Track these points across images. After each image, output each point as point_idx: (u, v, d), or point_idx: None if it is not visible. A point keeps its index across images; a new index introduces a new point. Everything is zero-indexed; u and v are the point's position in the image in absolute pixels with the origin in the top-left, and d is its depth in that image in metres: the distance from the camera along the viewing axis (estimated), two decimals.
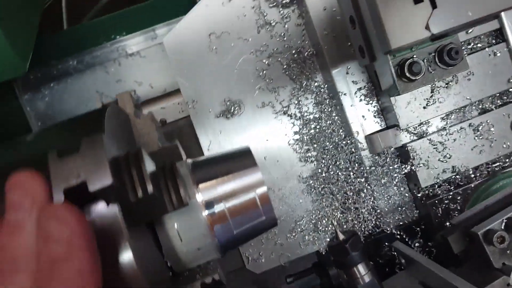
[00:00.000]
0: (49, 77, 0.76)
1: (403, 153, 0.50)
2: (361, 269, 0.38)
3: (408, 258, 0.45)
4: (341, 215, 0.53)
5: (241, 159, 0.37)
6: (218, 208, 0.34)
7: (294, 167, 0.53)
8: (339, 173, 0.52)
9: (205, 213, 0.34)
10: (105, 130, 0.30)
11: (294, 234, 0.53)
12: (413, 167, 0.49)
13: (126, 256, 0.28)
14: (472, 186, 0.50)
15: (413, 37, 0.37)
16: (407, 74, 0.43)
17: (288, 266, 0.54)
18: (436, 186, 0.50)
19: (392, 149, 0.50)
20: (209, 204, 0.34)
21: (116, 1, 0.94)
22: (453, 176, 0.50)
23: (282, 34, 0.53)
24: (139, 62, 0.76)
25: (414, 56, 0.44)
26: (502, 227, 0.38)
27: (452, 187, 0.50)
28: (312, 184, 0.53)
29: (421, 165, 0.49)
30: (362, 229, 0.52)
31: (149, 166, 0.32)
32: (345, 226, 0.53)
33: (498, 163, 0.51)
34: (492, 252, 0.38)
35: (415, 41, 0.37)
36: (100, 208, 0.27)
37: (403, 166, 0.50)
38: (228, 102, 0.52)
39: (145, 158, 0.31)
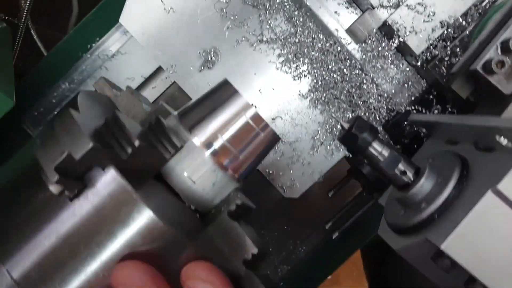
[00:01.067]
0: (50, 106, 0.78)
1: (387, 30, 0.49)
2: (376, 147, 0.38)
3: (427, 123, 0.45)
4: (353, 114, 0.52)
5: (222, 92, 0.37)
6: (217, 144, 0.35)
7: (291, 88, 0.53)
8: (335, 76, 0.51)
9: (208, 152, 0.35)
10: (79, 105, 0.31)
11: (316, 149, 0.54)
12: (400, 38, 0.48)
13: (146, 214, 0.29)
14: (467, 33, 0.48)
15: None
16: None
17: (323, 181, 0.55)
18: (432, 47, 0.49)
19: (374, 31, 0.49)
20: (208, 144, 0.35)
21: (84, 10, 0.95)
22: (445, 31, 0.48)
23: None
24: (123, 60, 0.77)
25: None
26: (499, 53, 0.37)
27: (448, 43, 0.49)
28: (314, 97, 0.53)
29: (408, 33, 0.48)
30: (378, 118, 0.52)
31: (136, 128, 0.33)
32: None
33: (486, 1, 0.49)
34: (498, 80, 0.37)
35: None
36: (98, 175, 0.28)
37: (391, 42, 0.49)
38: (204, 53, 0.53)
39: (129, 122, 0.32)
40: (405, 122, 0.52)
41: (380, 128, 0.52)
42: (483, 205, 0.32)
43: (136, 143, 0.29)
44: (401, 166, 0.38)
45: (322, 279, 0.69)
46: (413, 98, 0.51)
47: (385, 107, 0.51)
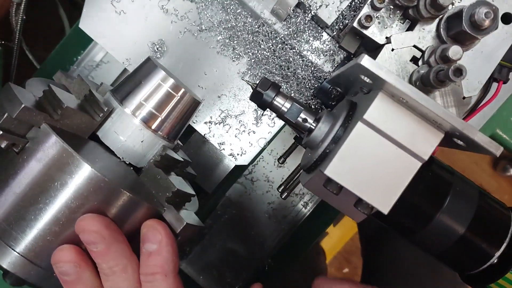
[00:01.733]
0: None
1: (302, 8, 0.56)
2: (279, 100, 0.46)
3: (335, 81, 0.52)
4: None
5: (145, 69, 0.46)
6: (143, 110, 0.43)
7: (231, 68, 0.61)
8: (265, 53, 0.59)
9: (135, 117, 0.43)
10: (26, 86, 0.40)
11: (259, 120, 0.61)
12: (312, 12, 0.55)
13: (85, 168, 0.37)
14: None
15: None
16: None
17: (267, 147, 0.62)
18: (342, 17, 0.56)
19: (292, 9, 0.57)
20: (135, 110, 0.43)
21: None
22: (352, 2, 0.55)
23: None
24: (107, 68, 0.86)
25: None
26: (370, 9, 0.44)
27: (356, 12, 0.55)
28: (252, 73, 0.60)
29: (319, 7, 0.55)
30: (307, 86, 0.59)
31: (72, 99, 0.41)
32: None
33: None
34: (371, 33, 0.44)
35: None
36: (36, 132, 0.37)
37: (305, 16, 0.56)
38: (153, 45, 0.61)
39: (65, 94, 0.40)
40: (329, 87, 0.59)
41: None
42: (355, 134, 0.39)
43: (64, 105, 0.37)
44: (302, 115, 0.46)
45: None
46: (336, 65, 0.58)
47: (311, 76, 0.59)
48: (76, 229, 0.36)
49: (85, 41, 0.87)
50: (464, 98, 0.42)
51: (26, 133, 0.37)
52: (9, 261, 0.38)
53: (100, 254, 0.36)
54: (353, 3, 0.56)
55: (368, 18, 0.42)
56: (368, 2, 0.43)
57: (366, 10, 0.43)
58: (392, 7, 0.43)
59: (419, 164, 0.39)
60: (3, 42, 0.99)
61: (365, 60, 0.35)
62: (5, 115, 0.35)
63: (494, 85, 0.51)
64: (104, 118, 0.41)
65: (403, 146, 0.39)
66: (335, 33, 0.56)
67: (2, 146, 0.36)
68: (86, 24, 0.62)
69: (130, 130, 0.42)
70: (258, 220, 0.75)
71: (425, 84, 0.41)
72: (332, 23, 0.55)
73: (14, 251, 0.38)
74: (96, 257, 0.36)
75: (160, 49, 0.61)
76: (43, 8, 1.03)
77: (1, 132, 0.34)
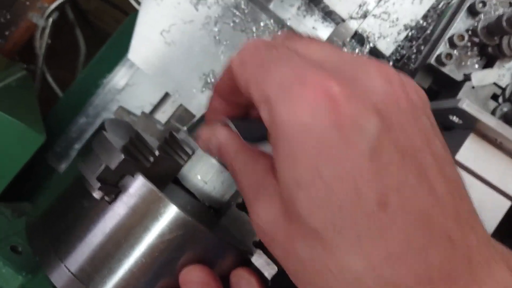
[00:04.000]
0: (71, 142, 0.87)
1: (358, 38, 0.56)
2: None
3: None
4: None
5: None
6: None
7: None
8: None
9: (215, 159, 0.42)
10: (107, 129, 0.39)
11: None
12: (371, 44, 0.55)
13: (171, 208, 0.36)
14: (428, 32, 0.55)
15: None
16: None
17: None
18: (399, 48, 0.56)
19: (348, 40, 0.57)
20: None
21: (90, 50, 1.04)
22: (409, 33, 0.56)
23: (215, 1, 0.60)
24: (132, 91, 0.85)
25: None
26: (448, 47, 0.44)
27: (412, 42, 0.56)
28: None
29: (377, 38, 0.55)
30: None
31: (154, 143, 0.40)
32: None
33: (442, 3, 0.56)
34: (449, 70, 0.44)
35: None
36: (129, 181, 0.36)
37: (363, 48, 0.56)
38: (204, 76, 0.61)
39: (148, 138, 0.39)
40: None
41: None
42: None
43: (156, 153, 0.36)
44: None
45: None
46: None
47: None
48: (181, 281, 0.35)
49: (111, 64, 0.86)
50: None
51: (118, 181, 0.36)
52: None
53: None
54: (409, 34, 0.56)
55: (449, 56, 0.42)
56: (446, 39, 0.43)
57: (443, 47, 0.43)
58: (469, 44, 0.43)
59: (510, 203, 0.39)
60: (25, 66, 0.97)
61: (467, 105, 0.35)
62: (103, 166, 0.33)
63: None
64: None
65: (494, 186, 0.39)
66: (391, 63, 0.56)
67: (97, 197, 0.34)
68: (135, 54, 0.61)
69: (211, 172, 0.41)
70: None
71: (508, 122, 0.41)
72: (390, 54, 0.55)
73: None
74: None
75: (211, 79, 0.60)
76: (58, 30, 1.02)
77: (99, 184, 0.33)
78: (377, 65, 0.27)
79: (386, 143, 0.24)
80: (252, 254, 0.40)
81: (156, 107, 0.76)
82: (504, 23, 0.38)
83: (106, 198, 0.35)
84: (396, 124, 0.25)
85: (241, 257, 0.39)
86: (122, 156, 0.34)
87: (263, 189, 0.29)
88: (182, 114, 0.63)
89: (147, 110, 0.81)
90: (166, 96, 0.76)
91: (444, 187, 0.25)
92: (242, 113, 0.36)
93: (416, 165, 0.25)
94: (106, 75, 0.87)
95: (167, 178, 0.40)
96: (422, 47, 0.55)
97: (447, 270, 0.24)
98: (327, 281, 0.25)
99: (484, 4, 0.41)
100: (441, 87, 0.47)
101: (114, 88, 0.86)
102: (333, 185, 0.24)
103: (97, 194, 0.35)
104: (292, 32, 0.30)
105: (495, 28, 0.40)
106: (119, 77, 0.86)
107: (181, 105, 0.62)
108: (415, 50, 0.55)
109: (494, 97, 0.42)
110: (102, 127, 0.41)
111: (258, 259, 0.39)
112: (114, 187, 0.35)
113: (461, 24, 0.43)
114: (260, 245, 0.40)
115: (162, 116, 0.75)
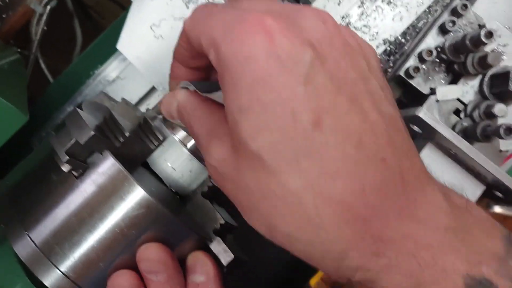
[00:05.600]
0: (57, 128, 0.88)
1: None
2: None
3: None
4: None
5: None
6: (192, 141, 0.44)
7: None
8: None
9: (186, 147, 0.44)
10: (84, 109, 0.40)
11: None
12: None
13: (136, 190, 0.38)
14: (406, 48, 0.57)
15: None
16: None
17: None
18: None
19: None
20: (185, 139, 0.44)
21: (87, 42, 1.06)
22: (387, 48, 0.58)
23: (207, 0, 0.62)
24: (122, 84, 0.87)
25: None
26: (417, 61, 0.46)
27: (390, 57, 0.58)
28: None
29: None
30: None
31: (128, 126, 0.42)
32: None
33: (421, 21, 0.58)
34: (417, 83, 0.46)
35: None
36: (97, 158, 0.37)
37: None
38: None
39: (122, 120, 0.41)
40: None
41: None
42: None
43: (127, 134, 0.38)
44: None
45: None
46: None
47: None
48: (138, 256, 0.36)
49: (104, 56, 0.88)
50: (500, 151, 0.44)
51: (87, 158, 0.37)
52: (52, 280, 0.38)
53: (159, 284, 0.36)
54: (388, 49, 0.58)
55: (416, 69, 0.44)
56: (416, 53, 0.45)
57: (413, 61, 0.46)
58: (438, 60, 0.46)
59: None
60: (19, 50, 0.99)
61: (423, 113, 0.37)
62: (73, 141, 0.35)
63: None
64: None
65: None
66: None
67: (65, 170, 0.36)
68: (124, 45, 0.63)
69: (180, 160, 0.43)
70: None
71: (467, 136, 0.43)
72: None
73: (60, 270, 0.38)
74: (154, 286, 0.36)
75: None
76: (57, 19, 1.03)
77: (67, 158, 0.35)
78: (314, 9, 0.29)
79: (320, 71, 0.26)
80: (211, 241, 0.41)
81: (142, 100, 0.78)
82: (467, 42, 0.40)
83: (74, 172, 0.37)
84: (329, 58, 0.27)
85: (201, 243, 0.41)
86: (92, 133, 0.35)
87: (216, 132, 0.31)
88: None
89: (134, 103, 0.83)
90: (152, 90, 0.77)
91: (378, 117, 0.27)
92: (203, 77, 0.38)
93: (349, 93, 0.26)
94: (98, 67, 0.88)
95: (137, 161, 0.41)
96: (399, 62, 0.58)
97: (379, 187, 0.26)
98: (273, 204, 0.27)
99: (454, 24, 0.44)
100: (409, 99, 0.49)
101: (105, 79, 0.88)
102: (271, 109, 0.25)
103: (65, 168, 0.36)
104: None
105: (460, 47, 0.42)
106: (111, 69, 0.88)
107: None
108: (391, 64, 0.57)
109: (457, 112, 0.44)
110: (78, 106, 0.42)
111: (216, 246, 0.41)
112: (82, 163, 0.37)
113: (431, 40, 0.45)
114: (220, 233, 0.42)
115: (147, 109, 0.76)
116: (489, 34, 0.38)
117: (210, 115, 0.32)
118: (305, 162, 0.26)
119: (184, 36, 0.34)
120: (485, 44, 0.39)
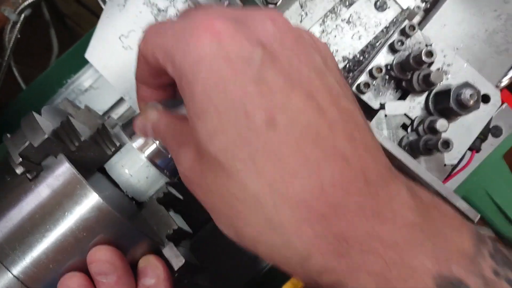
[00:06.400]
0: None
1: None
2: None
3: None
4: None
5: None
6: (151, 147, 0.45)
7: None
8: None
9: (143, 154, 0.45)
10: (42, 114, 0.41)
11: None
12: None
13: (89, 194, 0.39)
14: (363, 65, 0.60)
15: None
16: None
17: None
18: None
19: None
20: (143, 147, 0.45)
21: (63, 50, 1.07)
22: (346, 65, 0.60)
23: (176, 14, 0.64)
24: (95, 94, 0.88)
25: None
26: (368, 77, 0.49)
27: (350, 73, 0.61)
28: None
29: None
30: None
31: (86, 131, 0.43)
32: None
33: (379, 40, 0.61)
34: (368, 98, 0.48)
35: None
36: (52, 161, 0.38)
37: None
38: None
39: (80, 126, 0.42)
40: None
41: None
42: None
43: (82, 138, 0.39)
44: None
45: None
46: None
47: None
48: (88, 259, 0.37)
49: (78, 65, 0.89)
50: (445, 165, 0.47)
51: (41, 161, 0.38)
52: (4, 282, 0.38)
53: (109, 286, 0.37)
54: (347, 66, 0.61)
55: (366, 85, 0.47)
56: (367, 70, 0.48)
57: (364, 77, 0.48)
58: (387, 77, 0.48)
59: None
60: None
61: None
62: (27, 143, 0.36)
63: (468, 153, 0.57)
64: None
65: None
66: None
67: (18, 172, 0.37)
68: (92, 54, 0.64)
69: (137, 166, 0.44)
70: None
71: (413, 150, 0.45)
72: None
73: (11, 273, 0.38)
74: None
75: None
76: (33, 27, 1.04)
77: (21, 159, 0.36)
78: (264, 11, 0.30)
79: (271, 70, 0.26)
80: (164, 246, 0.42)
81: (112, 109, 0.79)
82: (411, 61, 0.43)
83: (28, 175, 0.37)
84: (281, 56, 0.27)
85: (153, 247, 0.42)
86: (46, 136, 0.36)
87: (184, 141, 0.32)
88: (129, 115, 0.65)
89: (104, 112, 0.84)
90: (122, 99, 0.79)
91: (336, 112, 0.26)
92: (169, 95, 0.40)
93: (304, 90, 0.26)
94: (71, 76, 0.89)
95: (93, 166, 0.42)
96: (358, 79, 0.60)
97: (340, 184, 0.25)
98: (234, 207, 0.27)
99: (402, 43, 0.46)
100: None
101: (78, 88, 0.89)
102: (224, 111, 0.26)
103: (18, 169, 0.37)
104: None
105: (405, 65, 0.45)
106: (84, 78, 0.89)
107: (130, 107, 0.65)
108: (350, 81, 0.60)
109: (404, 126, 0.47)
110: (35, 111, 0.43)
111: (168, 251, 0.42)
112: (36, 165, 0.37)
113: (382, 58, 0.48)
114: (173, 238, 0.43)
115: (115, 118, 0.77)
116: (429, 54, 0.41)
117: (180, 128, 0.33)
118: (261, 163, 0.25)
119: (141, 57, 0.34)
120: (425, 63, 0.42)
